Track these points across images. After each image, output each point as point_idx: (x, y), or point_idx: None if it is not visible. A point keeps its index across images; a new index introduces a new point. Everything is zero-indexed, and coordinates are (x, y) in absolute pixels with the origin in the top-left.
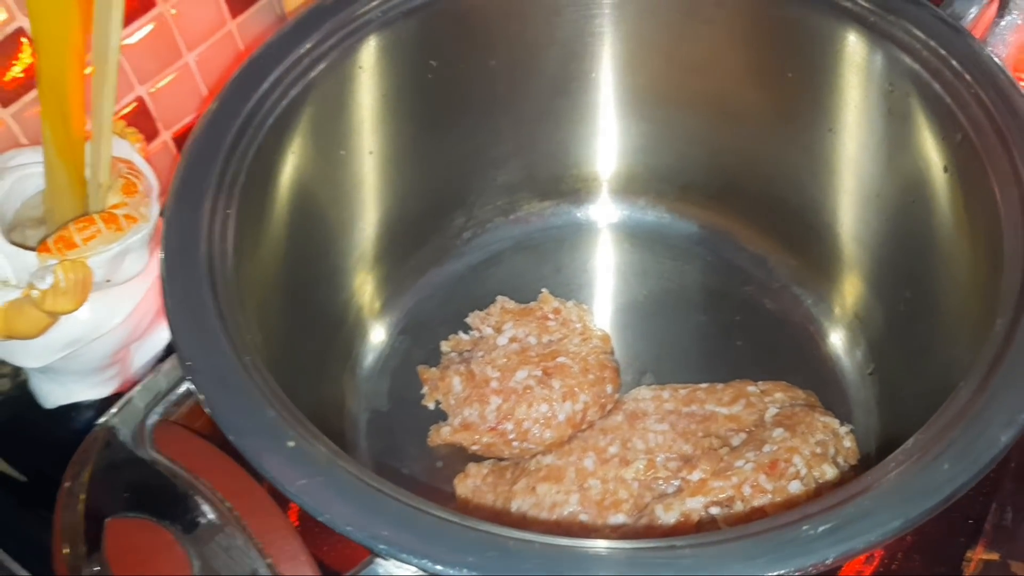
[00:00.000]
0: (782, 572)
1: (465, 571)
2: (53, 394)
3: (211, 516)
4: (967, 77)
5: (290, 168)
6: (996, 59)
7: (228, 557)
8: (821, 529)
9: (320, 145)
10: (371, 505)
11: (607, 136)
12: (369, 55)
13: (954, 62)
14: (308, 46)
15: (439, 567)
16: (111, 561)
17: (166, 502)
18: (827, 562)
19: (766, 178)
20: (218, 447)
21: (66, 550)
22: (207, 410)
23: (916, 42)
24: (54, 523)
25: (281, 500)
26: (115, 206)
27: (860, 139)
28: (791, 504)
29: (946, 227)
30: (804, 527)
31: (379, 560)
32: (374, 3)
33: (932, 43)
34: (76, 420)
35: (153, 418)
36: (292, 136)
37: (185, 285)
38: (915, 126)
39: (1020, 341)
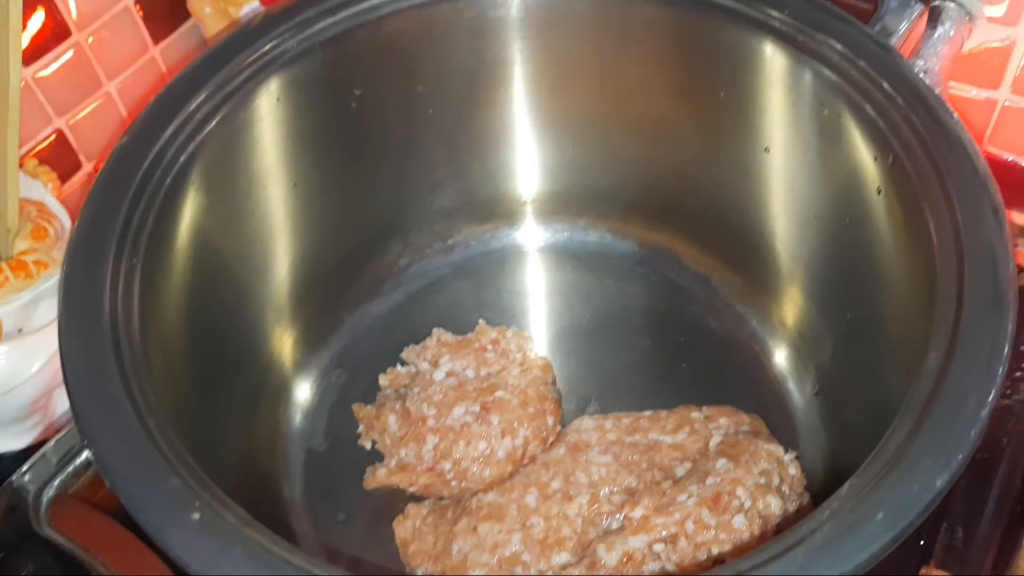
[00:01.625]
0: None
1: None
2: None
3: None
4: (897, 98)
5: (203, 210)
6: (925, 79)
7: None
8: None
9: (236, 183)
10: None
11: (544, 158)
12: (286, 86)
13: (884, 83)
14: (220, 80)
15: None
16: None
17: None
18: None
19: (706, 198)
20: (120, 522)
21: None
22: (107, 482)
23: (845, 61)
24: None
25: None
26: (24, 252)
27: (795, 159)
28: (736, 540)
29: (882, 250)
30: None
31: None
32: (289, 34)
33: (861, 63)
34: None
35: (50, 492)
36: (205, 176)
37: (85, 345)
38: (847, 147)
39: (953, 379)
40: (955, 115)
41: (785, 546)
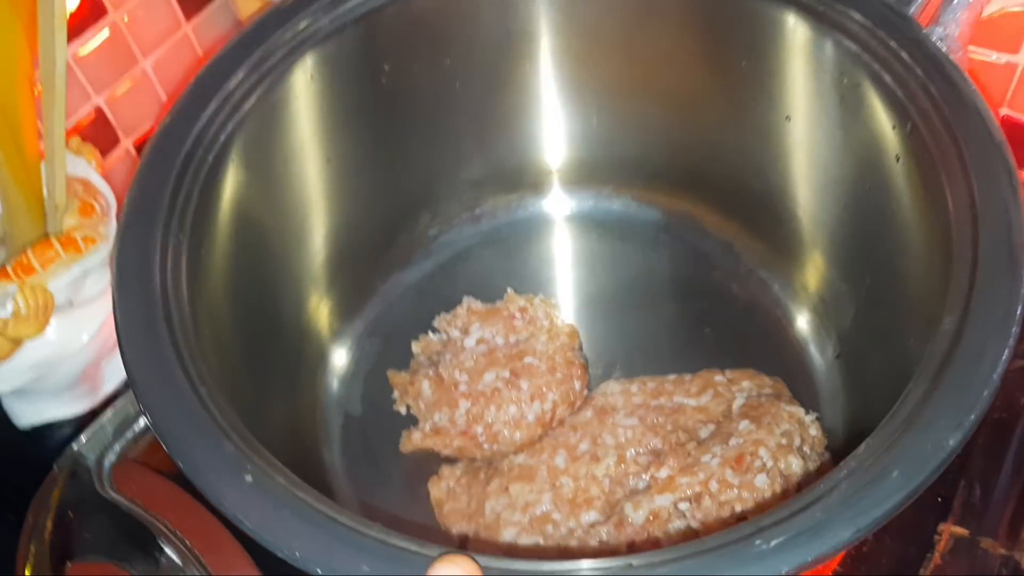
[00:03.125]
0: None
1: None
2: (26, 414)
3: (171, 555)
4: (915, 68)
5: (243, 186)
6: (944, 44)
7: None
8: (774, 543)
9: (274, 159)
10: (330, 540)
11: (569, 128)
12: (319, 64)
13: (902, 52)
14: (256, 59)
15: None
16: None
17: (126, 543)
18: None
19: (729, 165)
20: (177, 483)
21: None
22: (165, 448)
23: (864, 31)
24: (17, 559)
25: (241, 535)
26: (73, 228)
27: (816, 127)
28: (758, 498)
29: (900, 217)
30: (757, 541)
31: None
32: (321, 12)
33: (880, 32)
34: (51, 438)
35: (111, 457)
36: (244, 153)
37: (139, 319)
38: (867, 115)
39: (967, 341)
40: (971, 83)
41: (804, 503)
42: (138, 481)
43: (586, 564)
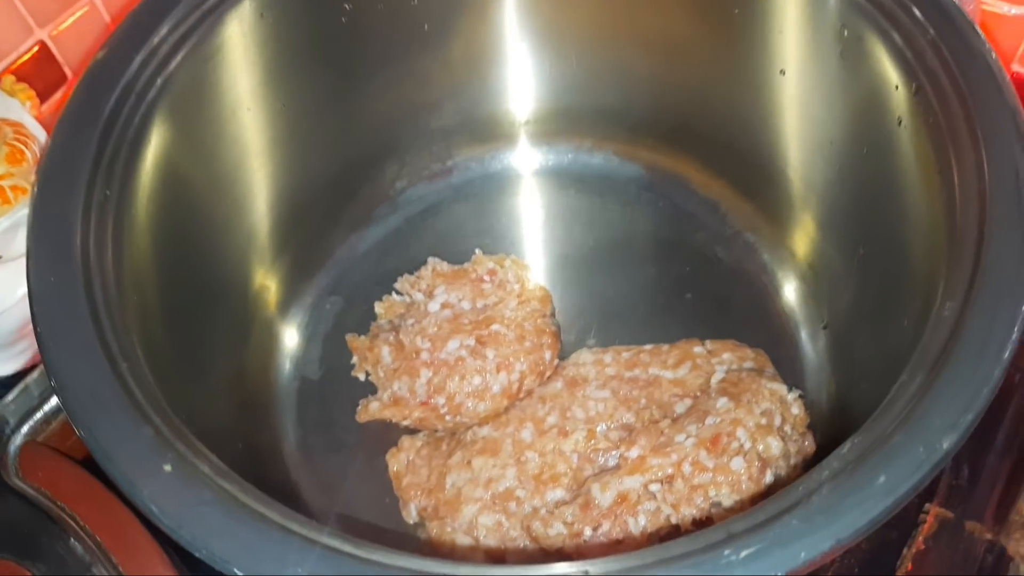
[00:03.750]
0: None
1: None
2: None
3: (78, 552)
4: (925, 22)
5: (184, 135)
6: (956, 2)
7: None
8: (744, 554)
9: (219, 105)
10: (254, 538)
11: (547, 75)
12: (271, 1)
13: (911, 5)
14: None
15: None
16: None
17: (30, 538)
18: None
19: (718, 120)
20: (89, 471)
21: None
22: (77, 431)
23: None
24: None
25: (158, 530)
26: (0, 176)
27: (811, 82)
28: (733, 482)
29: (899, 185)
30: (726, 551)
31: None
32: None
33: None
34: None
35: (19, 440)
36: (184, 100)
37: (55, 285)
38: (868, 72)
39: (968, 332)
40: (986, 42)
41: (781, 508)
42: (46, 467)
43: (538, 572)
